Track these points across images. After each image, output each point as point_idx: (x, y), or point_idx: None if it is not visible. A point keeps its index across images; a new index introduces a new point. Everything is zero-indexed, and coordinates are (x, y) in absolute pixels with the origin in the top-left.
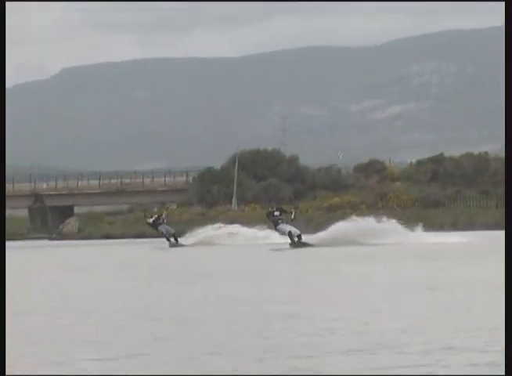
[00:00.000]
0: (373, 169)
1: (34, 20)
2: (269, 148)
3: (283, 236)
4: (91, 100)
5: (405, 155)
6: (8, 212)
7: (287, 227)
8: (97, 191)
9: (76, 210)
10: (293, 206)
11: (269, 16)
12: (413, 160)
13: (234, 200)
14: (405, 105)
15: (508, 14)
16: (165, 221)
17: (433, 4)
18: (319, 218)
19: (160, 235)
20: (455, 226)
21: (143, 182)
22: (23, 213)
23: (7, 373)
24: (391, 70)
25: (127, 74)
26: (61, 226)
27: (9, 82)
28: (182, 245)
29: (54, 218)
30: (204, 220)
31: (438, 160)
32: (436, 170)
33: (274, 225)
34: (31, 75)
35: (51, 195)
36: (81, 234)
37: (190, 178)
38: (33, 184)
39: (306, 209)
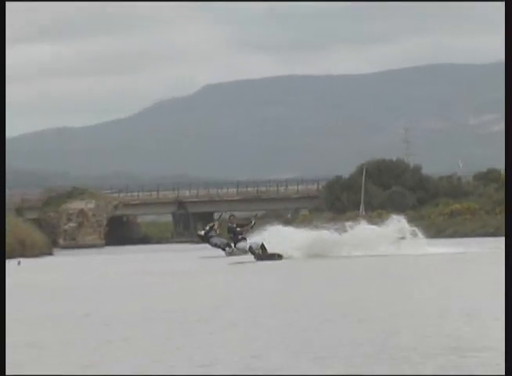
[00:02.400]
0: (491, 177)
1: (184, 37)
2: (394, 158)
3: (246, 254)
4: (231, 115)
5: None
6: (152, 217)
7: (246, 243)
8: (235, 198)
9: (216, 216)
10: (253, 215)
11: (398, 36)
12: None
13: (362, 207)
14: None
15: (508, 14)
16: (218, 232)
17: None
18: (441, 223)
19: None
20: None
21: (278, 189)
22: (167, 218)
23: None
24: None
25: (264, 90)
26: (199, 231)
27: (157, 96)
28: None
29: (196, 223)
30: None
31: None
32: None
33: (234, 243)
34: (178, 90)
35: (193, 202)
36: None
37: (321, 186)
38: (176, 192)
39: (429, 215)
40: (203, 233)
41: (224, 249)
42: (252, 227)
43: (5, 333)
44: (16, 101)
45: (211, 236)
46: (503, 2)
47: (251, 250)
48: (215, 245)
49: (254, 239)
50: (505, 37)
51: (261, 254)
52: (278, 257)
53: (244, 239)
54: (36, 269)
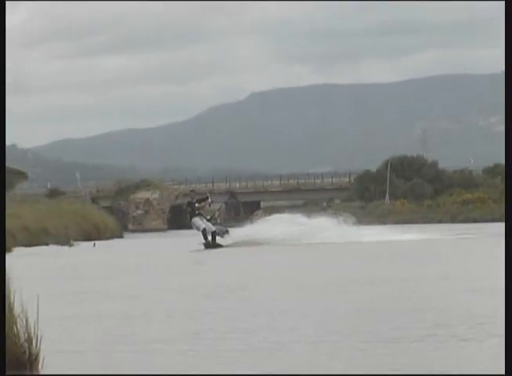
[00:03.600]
0: (497, 171)
1: (235, 50)
2: (414, 155)
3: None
4: (274, 118)
5: None
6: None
7: (202, 223)
8: (278, 189)
9: (262, 204)
10: (208, 191)
11: (420, 49)
12: None
13: (387, 196)
14: None
15: (508, 14)
16: (218, 221)
17: None
18: (454, 211)
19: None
20: None
21: (314, 182)
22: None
23: None
24: None
25: (303, 96)
26: (250, 217)
27: (211, 102)
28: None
29: (245, 210)
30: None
31: None
32: None
33: (189, 217)
34: (228, 97)
35: (242, 192)
36: None
37: (352, 179)
38: (228, 184)
39: (444, 203)
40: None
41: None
42: (209, 205)
43: (4, 333)
44: (92, 106)
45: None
46: (503, 2)
47: (204, 232)
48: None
49: (208, 225)
50: (505, 37)
51: (210, 242)
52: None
53: (201, 215)
54: (107, 248)
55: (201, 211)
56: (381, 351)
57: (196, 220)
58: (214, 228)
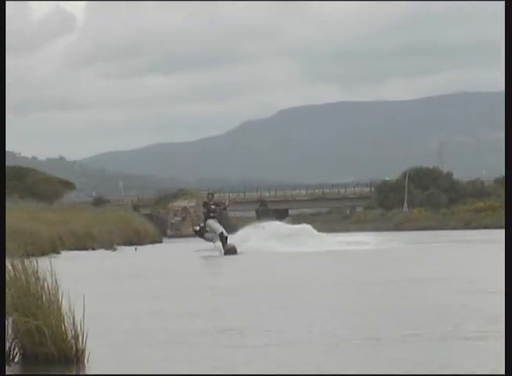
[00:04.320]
0: None
1: (265, 70)
2: (430, 166)
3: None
4: (301, 132)
5: None
6: (240, 214)
7: (219, 226)
8: (304, 198)
9: (290, 212)
10: (229, 198)
11: (436, 70)
12: None
13: (405, 205)
14: None
15: (508, 14)
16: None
17: None
18: (468, 218)
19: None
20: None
21: (338, 191)
22: (252, 214)
23: None
24: None
25: (328, 112)
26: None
27: (243, 118)
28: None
29: (275, 218)
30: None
31: None
32: None
33: (204, 218)
34: (259, 113)
35: (272, 201)
36: None
37: (373, 189)
38: (259, 193)
39: (458, 211)
40: (198, 228)
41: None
42: (225, 209)
43: (4, 332)
44: (134, 121)
45: (206, 231)
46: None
47: (221, 237)
48: (208, 239)
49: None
50: (505, 37)
51: (223, 246)
52: (234, 251)
53: (215, 217)
54: (147, 253)
55: (216, 215)
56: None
57: (212, 222)
58: (226, 234)
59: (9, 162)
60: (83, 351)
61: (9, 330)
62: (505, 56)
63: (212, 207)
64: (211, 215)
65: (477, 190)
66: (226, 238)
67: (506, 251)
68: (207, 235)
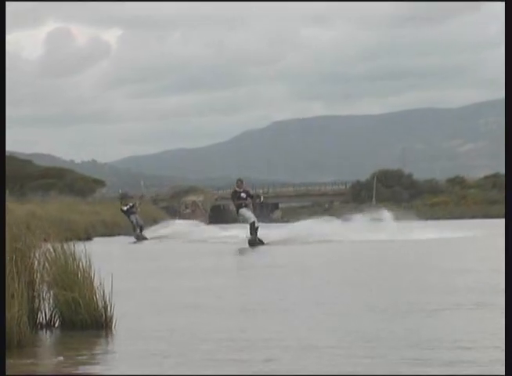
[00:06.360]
0: (457, 181)
1: (261, 89)
2: (395, 168)
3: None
4: (290, 140)
5: (478, 172)
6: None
7: (252, 215)
8: (292, 194)
9: (280, 205)
10: (262, 192)
11: (405, 90)
12: (481, 176)
13: (374, 200)
14: (476, 143)
15: (508, 14)
16: (138, 210)
17: None
18: (425, 211)
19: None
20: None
21: (320, 188)
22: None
23: None
24: (476, 121)
25: (313, 125)
26: (271, 215)
27: (243, 128)
28: (145, 238)
29: (268, 210)
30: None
31: (496, 176)
32: (495, 181)
33: (236, 209)
34: (256, 124)
35: (265, 196)
36: (283, 219)
37: (348, 187)
38: (255, 190)
39: (417, 205)
40: (125, 208)
41: (135, 230)
42: (260, 202)
43: (5, 331)
44: (155, 130)
45: (132, 213)
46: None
47: (252, 226)
48: (131, 222)
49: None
50: (505, 37)
51: (252, 237)
52: (260, 242)
53: (247, 206)
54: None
55: (247, 203)
56: None
57: (245, 211)
58: (258, 224)
59: (50, 164)
60: (111, 318)
61: (50, 302)
62: (505, 56)
63: (242, 195)
64: (243, 204)
65: (432, 188)
66: (257, 228)
67: (506, 250)
68: (131, 217)
